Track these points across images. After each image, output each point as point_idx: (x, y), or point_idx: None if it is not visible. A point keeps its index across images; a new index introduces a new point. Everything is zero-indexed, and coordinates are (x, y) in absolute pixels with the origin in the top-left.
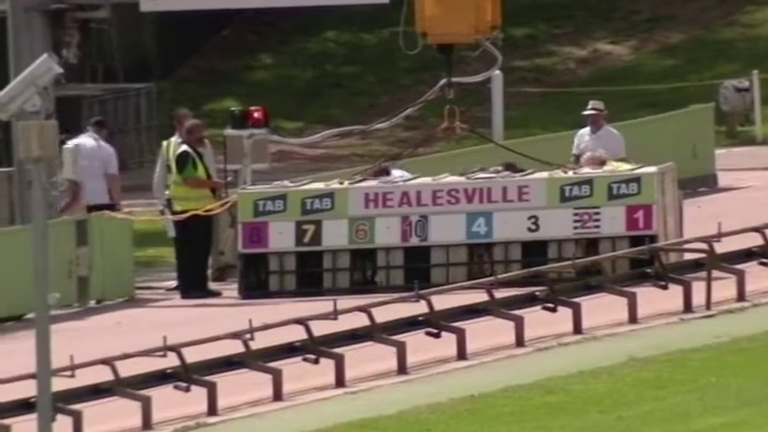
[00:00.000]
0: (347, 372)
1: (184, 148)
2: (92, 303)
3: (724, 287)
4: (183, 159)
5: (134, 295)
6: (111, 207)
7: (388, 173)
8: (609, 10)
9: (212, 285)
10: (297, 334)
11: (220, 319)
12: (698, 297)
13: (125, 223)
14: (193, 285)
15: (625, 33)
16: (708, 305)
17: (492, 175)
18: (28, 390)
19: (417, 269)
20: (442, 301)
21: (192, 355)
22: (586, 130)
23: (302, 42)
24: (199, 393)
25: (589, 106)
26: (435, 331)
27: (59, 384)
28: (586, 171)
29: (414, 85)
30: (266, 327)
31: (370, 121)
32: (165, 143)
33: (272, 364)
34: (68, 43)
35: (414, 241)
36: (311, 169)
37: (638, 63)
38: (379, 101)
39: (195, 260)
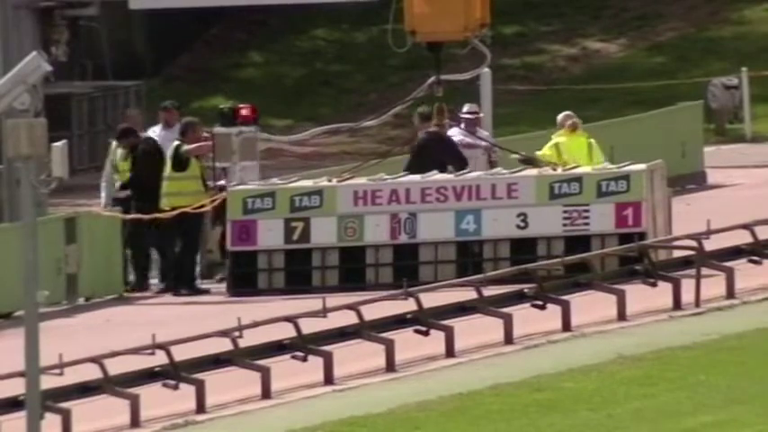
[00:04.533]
0: (336, 369)
1: (177, 143)
2: (80, 301)
3: (713, 284)
4: (179, 154)
5: (123, 293)
6: None
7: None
8: (598, 8)
9: (201, 283)
10: (285, 332)
11: (209, 316)
12: (687, 294)
13: (114, 221)
14: (183, 283)
15: (614, 31)
16: (697, 302)
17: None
18: (16, 388)
19: (406, 266)
20: (431, 299)
21: (181, 353)
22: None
23: (291, 40)
24: (187, 391)
25: (466, 109)
26: (424, 329)
27: (48, 382)
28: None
29: (403, 82)
30: (255, 324)
31: (358, 118)
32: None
33: (261, 362)
34: (58, 41)
35: (403, 239)
36: (300, 167)
37: (628, 61)
38: (368, 99)
39: (185, 258)
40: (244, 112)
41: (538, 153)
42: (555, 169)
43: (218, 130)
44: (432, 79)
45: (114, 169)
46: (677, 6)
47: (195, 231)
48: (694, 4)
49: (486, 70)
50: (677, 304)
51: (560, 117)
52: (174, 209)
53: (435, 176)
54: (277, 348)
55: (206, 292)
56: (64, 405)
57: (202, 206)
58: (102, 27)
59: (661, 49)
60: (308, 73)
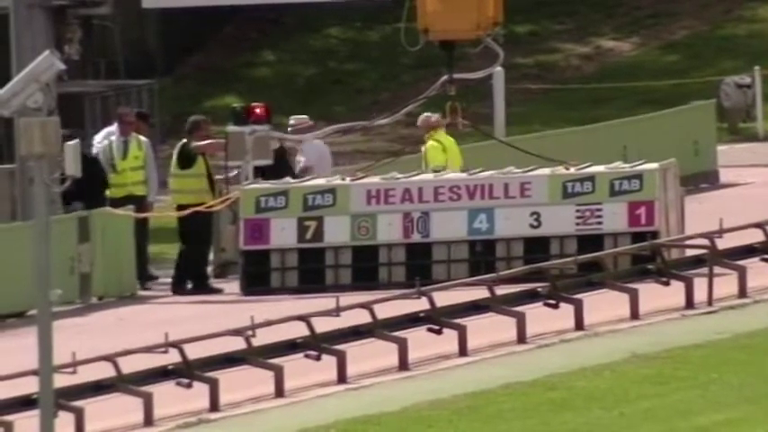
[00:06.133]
0: (349, 368)
1: (183, 140)
2: (93, 300)
3: (725, 283)
4: (185, 151)
5: (136, 292)
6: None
7: None
8: (611, 6)
9: (213, 282)
10: (298, 330)
11: (222, 315)
12: (699, 293)
13: (127, 220)
14: (186, 280)
15: (627, 30)
16: (709, 301)
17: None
18: (30, 386)
19: (419, 265)
20: (444, 298)
21: (194, 352)
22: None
23: (304, 39)
24: (200, 390)
25: (292, 121)
26: (437, 328)
27: (61, 381)
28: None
29: (415, 81)
30: (268, 323)
31: (371, 117)
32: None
33: (274, 361)
34: (70, 39)
35: (415, 237)
36: None
37: (641, 59)
38: (381, 97)
39: (196, 257)
40: (257, 111)
41: (435, 164)
42: (568, 168)
43: (231, 128)
44: (444, 78)
45: (112, 168)
46: (690, 4)
47: (205, 230)
48: (707, 2)
49: (498, 69)
50: (690, 303)
51: (422, 118)
52: (178, 206)
53: (448, 175)
54: (290, 347)
55: (218, 291)
56: (77, 403)
57: (212, 206)
58: (114, 26)
59: (674, 47)
60: (321, 72)
